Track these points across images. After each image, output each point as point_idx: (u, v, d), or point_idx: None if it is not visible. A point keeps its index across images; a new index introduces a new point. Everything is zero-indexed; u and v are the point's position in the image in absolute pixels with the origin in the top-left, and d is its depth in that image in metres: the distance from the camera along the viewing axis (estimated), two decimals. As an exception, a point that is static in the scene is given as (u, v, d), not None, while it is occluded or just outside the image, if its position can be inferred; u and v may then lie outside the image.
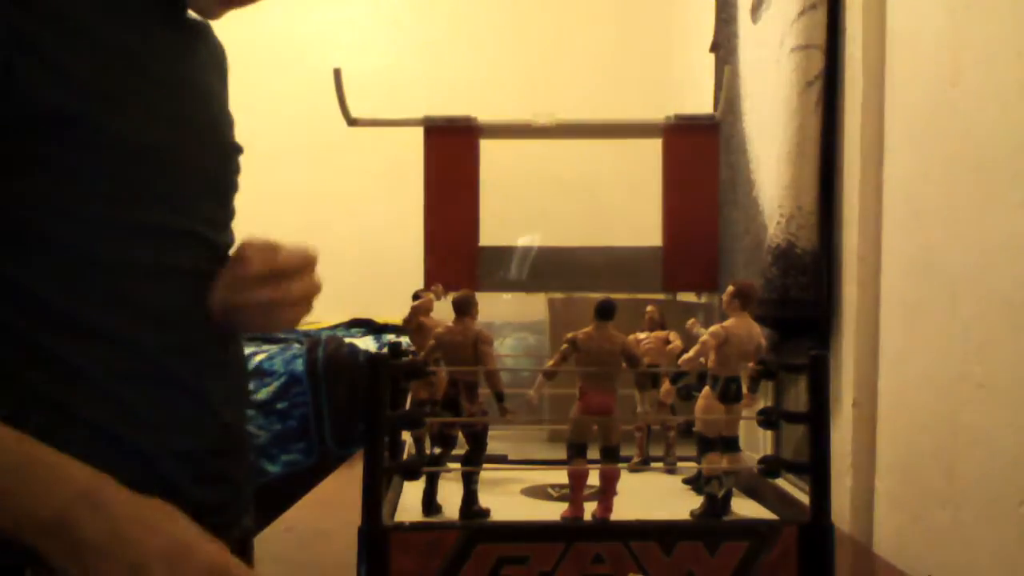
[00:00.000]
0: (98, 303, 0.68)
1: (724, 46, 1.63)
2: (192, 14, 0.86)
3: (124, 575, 0.58)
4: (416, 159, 1.44)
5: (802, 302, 1.14)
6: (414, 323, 1.04)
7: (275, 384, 2.01)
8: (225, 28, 0.98)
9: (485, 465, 0.87)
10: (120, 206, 0.70)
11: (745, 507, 0.91)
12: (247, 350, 0.94)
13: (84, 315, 0.67)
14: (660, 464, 1.12)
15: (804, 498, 0.71)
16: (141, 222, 0.72)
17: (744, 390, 0.86)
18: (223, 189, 0.84)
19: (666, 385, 1.06)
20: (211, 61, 0.88)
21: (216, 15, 0.84)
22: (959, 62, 0.87)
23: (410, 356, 0.90)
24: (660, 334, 1.13)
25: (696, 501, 0.89)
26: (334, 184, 2.60)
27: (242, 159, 1.05)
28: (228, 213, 0.86)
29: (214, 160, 0.82)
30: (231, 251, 0.88)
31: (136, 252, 0.72)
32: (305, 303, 0.80)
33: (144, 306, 0.71)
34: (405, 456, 0.99)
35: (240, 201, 1.05)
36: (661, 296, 1.44)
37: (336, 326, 2.34)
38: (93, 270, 0.69)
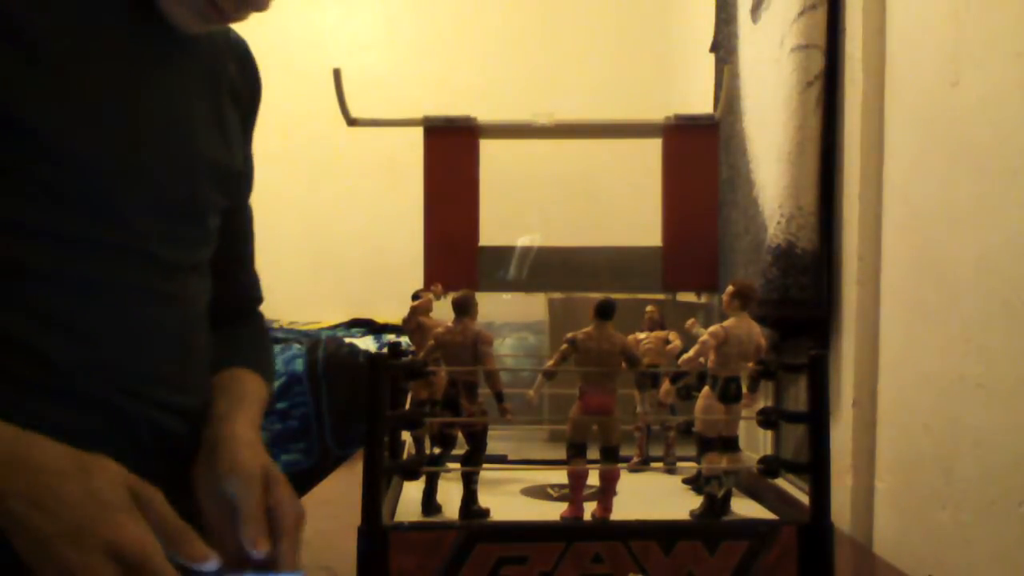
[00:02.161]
0: (20, 314, 0.66)
1: (724, 46, 1.63)
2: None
3: (29, 488, 0.59)
4: (416, 159, 1.44)
5: (802, 302, 1.14)
6: (413, 323, 1.04)
7: (275, 384, 2.02)
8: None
9: (485, 465, 0.87)
10: (48, 217, 0.68)
11: (745, 507, 0.91)
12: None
13: (3, 325, 0.65)
14: (660, 464, 1.12)
15: (804, 498, 0.71)
16: (72, 234, 0.70)
17: (744, 390, 0.86)
18: (187, 206, 0.81)
19: (666, 385, 1.06)
20: (197, 75, 0.84)
21: (194, 29, 0.81)
22: (959, 62, 0.87)
23: (410, 356, 0.90)
24: (660, 334, 1.13)
25: (696, 501, 0.89)
26: (334, 184, 2.60)
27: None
28: (196, 231, 0.83)
29: (175, 176, 0.78)
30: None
31: (65, 264, 0.70)
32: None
33: (71, 320, 0.68)
34: (405, 456, 0.99)
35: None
36: (661, 296, 1.44)
37: (336, 326, 2.34)
38: (17, 280, 0.67)
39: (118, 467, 0.62)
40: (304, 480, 1.36)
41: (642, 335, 1.13)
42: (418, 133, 1.45)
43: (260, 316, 1.04)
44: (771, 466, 0.76)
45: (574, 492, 0.80)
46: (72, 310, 0.68)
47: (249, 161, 0.98)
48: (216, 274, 0.93)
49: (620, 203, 2.27)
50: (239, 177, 0.90)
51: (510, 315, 2.05)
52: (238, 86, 0.92)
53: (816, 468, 0.68)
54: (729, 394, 0.85)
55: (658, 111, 1.46)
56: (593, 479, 0.80)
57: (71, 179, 0.70)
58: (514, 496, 0.99)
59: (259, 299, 1.04)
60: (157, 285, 0.77)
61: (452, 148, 1.44)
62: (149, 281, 0.76)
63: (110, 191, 0.73)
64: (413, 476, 0.79)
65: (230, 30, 0.94)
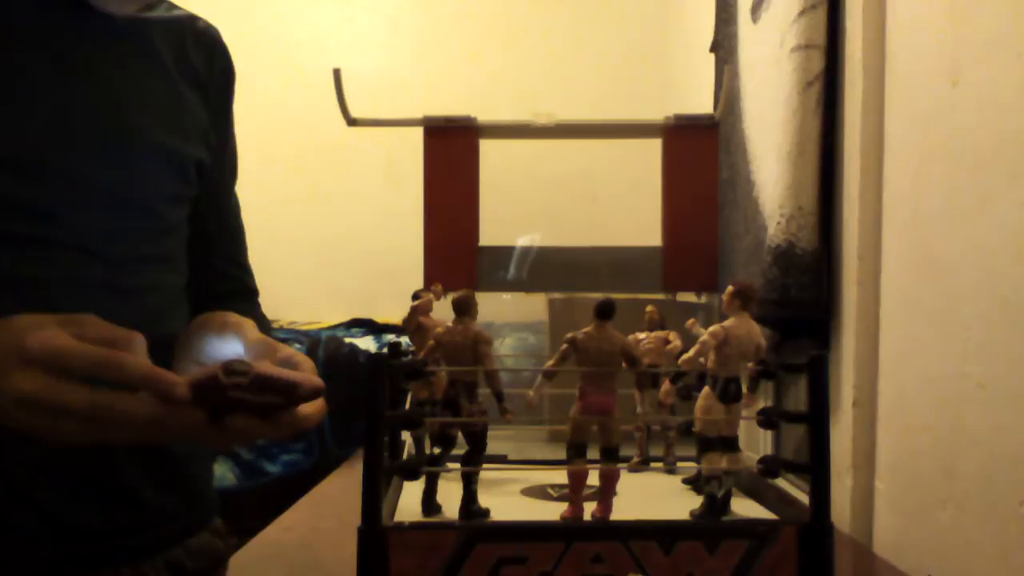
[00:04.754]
0: None
1: (724, 46, 1.63)
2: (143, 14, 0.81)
3: None
4: (416, 159, 1.44)
5: (802, 302, 1.14)
6: (414, 323, 1.04)
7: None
8: (224, 28, 0.98)
9: (485, 465, 0.87)
10: None
11: (745, 507, 0.91)
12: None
13: None
14: (660, 464, 1.12)
15: (804, 498, 0.71)
16: (3, 234, 0.69)
17: (744, 390, 0.86)
18: (129, 199, 0.79)
19: (666, 385, 1.06)
20: (144, 62, 0.83)
21: (123, 11, 0.80)
22: (959, 62, 0.87)
23: (410, 356, 0.90)
24: (660, 334, 1.13)
25: (696, 501, 0.89)
26: (334, 184, 2.60)
27: (239, 161, 1.02)
28: (145, 223, 0.81)
29: (112, 169, 0.77)
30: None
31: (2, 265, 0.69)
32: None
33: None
34: (405, 456, 0.99)
35: (241, 202, 1.05)
36: (661, 296, 1.44)
37: (336, 326, 2.34)
38: None
39: (45, 315, 0.60)
40: (304, 480, 1.36)
41: (642, 335, 1.13)
42: (418, 133, 1.45)
43: (255, 304, 1.03)
44: (771, 466, 0.76)
45: (574, 492, 0.80)
46: (6, 308, 0.65)
47: (226, 149, 0.96)
48: (197, 263, 0.92)
49: (620, 203, 2.27)
50: (201, 164, 0.88)
51: (510, 315, 2.05)
52: (202, 73, 0.90)
53: (816, 468, 0.68)
54: (729, 394, 0.85)
55: (658, 111, 1.46)
56: (593, 479, 0.80)
57: None
58: (514, 496, 0.99)
59: (250, 289, 1.03)
60: (107, 280, 0.76)
61: (452, 148, 1.44)
62: (96, 277, 0.75)
63: (37, 189, 0.72)
64: (413, 476, 0.79)
65: (196, 18, 0.93)
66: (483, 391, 0.86)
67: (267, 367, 0.65)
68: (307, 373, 0.71)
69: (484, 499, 0.87)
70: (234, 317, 0.80)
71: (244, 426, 0.62)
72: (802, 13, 1.15)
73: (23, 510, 0.74)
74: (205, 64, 0.90)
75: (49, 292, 0.72)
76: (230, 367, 0.60)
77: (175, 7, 0.90)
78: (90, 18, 0.77)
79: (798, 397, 1.29)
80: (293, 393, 0.65)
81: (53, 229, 0.73)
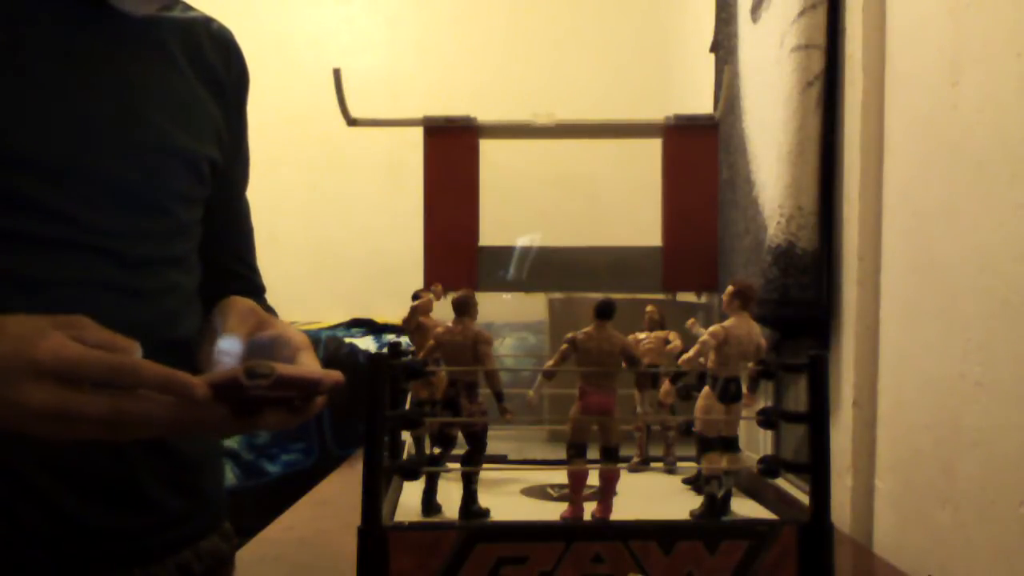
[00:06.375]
0: None
1: (724, 46, 1.63)
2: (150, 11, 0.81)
3: None
4: (416, 159, 1.44)
5: (802, 302, 1.14)
6: (413, 323, 1.04)
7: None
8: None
9: (485, 465, 0.87)
10: None
11: (745, 507, 0.91)
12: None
13: None
14: (660, 464, 1.12)
15: (804, 498, 0.71)
16: (18, 233, 0.69)
17: (744, 390, 0.86)
18: (146, 199, 0.79)
19: (666, 385, 1.06)
20: (159, 63, 0.83)
21: (142, 11, 0.80)
22: (959, 62, 0.87)
23: (410, 356, 0.90)
24: (660, 334, 1.13)
25: (696, 501, 0.89)
26: (334, 184, 2.60)
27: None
28: (160, 223, 0.81)
29: (128, 169, 0.77)
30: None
31: (13, 265, 0.69)
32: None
33: None
34: (405, 456, 0.99)
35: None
36: (661, 296, 1.44)
37: (336, 326, 2.34)
38: None
39: (39, 316, 0.60)
40: (304, 480, 1.36)
41: (642, 335, 1.13)
42: (418, 133, 1.45)
43: (264, 303, 1.03)
44: (771, 466, 0.76)
45: (574, 492, 0.80)
46: (22, 309, 0.65)
47: (239, 152, 0.97)
48: (208, 264, 0.92)
49: (620, 203, 2.27)
50: (214, 164, 0.88)
51: (510, 315, 2.05)
52: (218, 75, 0.90)
53: (816, 468, 0.68)
54: (729, 394, 0.85)
55: (658, 111, 1.46)
56: (593, 479, 0.80)
57: (13, 178, 0.69)
58: (514, 496, 0.99)
59: (259, 288, 1.03)
60: (122, 281, 0.76)
61: (452, 148, 1.44)
62: (110, 277, 0.75)
63: (55, 189, 0.71)
64: (413, 476, 0.79)
65: (211, 20, 0.93)
66: (483, 391, 0.86)
67: (288, 366, 0.65)
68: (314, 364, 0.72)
69: (484, 499, 0.87)
70: (271, 318, 0.81)
71: (264, 418, 0.63)
72: (802, 13, 1.15)
73: (37, 511, 0.74)
74: (222, 65, 0.91)
75: (64, 293, 0.72)
76: (252, 370, 0.60)
77: (190, 8, 0.91)
78: (107, 17, 0.77)
79: (798, 397, 1.29)
80: (315, 390, 0.65)
81: (69, 229, 0.73)
